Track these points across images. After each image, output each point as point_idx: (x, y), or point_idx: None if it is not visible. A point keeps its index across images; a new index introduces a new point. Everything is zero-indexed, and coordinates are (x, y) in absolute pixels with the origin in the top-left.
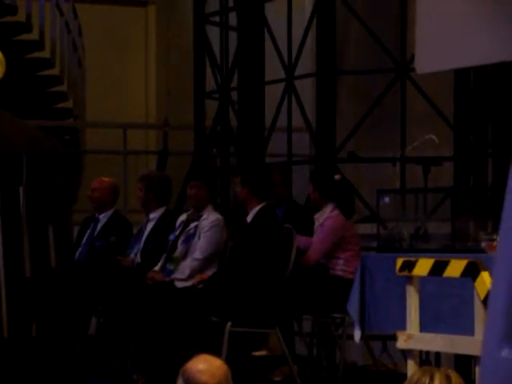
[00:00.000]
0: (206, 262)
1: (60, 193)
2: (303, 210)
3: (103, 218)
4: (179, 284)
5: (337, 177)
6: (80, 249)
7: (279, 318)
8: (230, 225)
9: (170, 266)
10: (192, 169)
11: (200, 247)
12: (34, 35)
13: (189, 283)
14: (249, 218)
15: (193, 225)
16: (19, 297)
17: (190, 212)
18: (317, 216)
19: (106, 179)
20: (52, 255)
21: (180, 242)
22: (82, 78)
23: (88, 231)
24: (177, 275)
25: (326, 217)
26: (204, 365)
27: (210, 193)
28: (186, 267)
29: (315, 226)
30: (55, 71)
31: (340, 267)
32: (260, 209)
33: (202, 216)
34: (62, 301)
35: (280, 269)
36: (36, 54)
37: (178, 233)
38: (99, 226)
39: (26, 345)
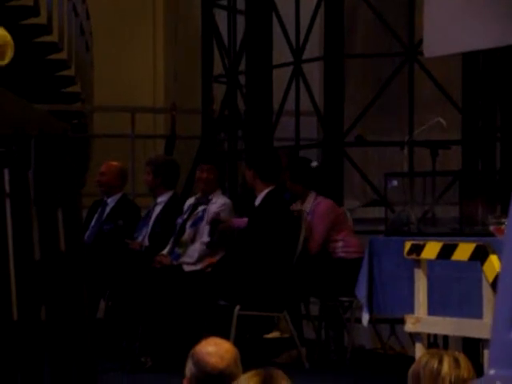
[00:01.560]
0: (214, 247)
1: (69, 177)
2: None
3: (111, 201)
4: (187, 268)
5: (314, 164)
6: (88, 232)
7: (287, 302)
8: (239, 209)
9: (179, 250)
10: (201, 152)
11: (208, 231)
12: (41, 19)
13: (197, 267)
14: (257, 202)
15: (201, 208)
16: (28, 280)
17: (198, 195)
18: (299, 206)
19: (113, 163)
20: (61, 239)
21: (188, 225)
22: (89, 62)
23: (96, 215)
24: (185, 259)
25: (314, 204)
26: (213, 347)
27: (220, 177)
28: (194, 251)
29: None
30: (63, 55)
31: (340, 249)
32: (268, 192)
33: (210, 200)
34: (71, 284)
35: (288, 252)
36: (44, 38)
37: (186, 216)
38: (107, 209)
39: (34, 328)
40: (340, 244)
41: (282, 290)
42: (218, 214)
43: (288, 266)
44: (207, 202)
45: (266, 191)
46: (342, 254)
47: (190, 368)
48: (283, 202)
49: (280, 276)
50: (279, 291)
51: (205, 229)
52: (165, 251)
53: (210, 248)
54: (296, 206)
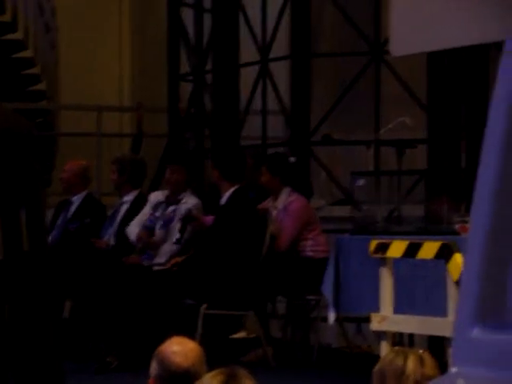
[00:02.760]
0: (184, 246)
1: (33, 176)
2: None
3: (76, 200)
4: (155, 266)
5: (292, 159)
6: (54, 232)
7: (254, 301)
8: (205, 208)
9: (150, 252)
10: (168, 151)
11: (179, 227)
12: (7, 17)
13: (164, 266)
14: (222, 201)
15: (171, 209)
16: None
17: (167, 194)
18: (271, 204)
19: (76, 162)
20: (24, 238)
21: (158, 226)
22: (55, 60)
23: (61, 214)
24: (157, 260)
25: (288, 201)
26: (178, 347)
27: (189, 177)
28: (165, 252)
29: (274, 212)
30: (28, 53)
31: (309, 248)
32: (233, 191)
33: (180, 200)
34: (35, 284)
35: (254, 251)
36: (9, 36)
37: (157, 215)
38: (73, 208)
39: None
40: (309, 243)
41: (249, 288)
42: (190, 210)
43: (254, 265)
44: (177, 202)
45: (231, 190)
46: (310, 253)
47: (154, 367)
48: (248, 200)
49: (246, 275)
50: (246, 290)
51: (175, 229)
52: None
53: (179, 244)
54: (268, 203)
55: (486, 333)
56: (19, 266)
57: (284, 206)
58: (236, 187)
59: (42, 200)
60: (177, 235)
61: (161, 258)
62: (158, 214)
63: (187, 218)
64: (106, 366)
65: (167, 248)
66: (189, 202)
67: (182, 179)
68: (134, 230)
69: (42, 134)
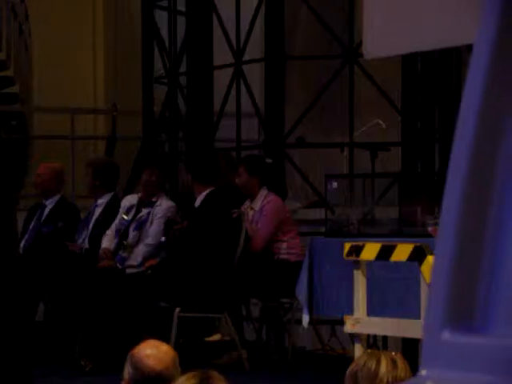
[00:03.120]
0: (158, 248)
1: (3, 179)
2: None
3: (49, 203)
4: (128, 269)
5: (268, 160)
6: (27, 235)
7: (227, 303)
8: (179, 210)
9: (124, 253)
10: (142, 154)
11: (152, 233)
12: None
13: (138, 268)
14: (196, 204)
15: (145, 211)
16: None
17: (139, 196)
18: (249, 204)
19: (50, 164)
20: None
21: (132, 228)
22: (28, 63)
23: (35, 217)
24: (130, 262)
25: (265, 201)
26: (151, 350)
27: (162, 178)
28: (138, 253)
29: (250, 215)
30: (1, 56)
31: (284, 250)
32: (207, 194)
33: (155, 202)
34: (7, 287)
35: (228, 253)
36: None
37: (130, 218)
38: (46, 211)
39: None
40: (284, 245)
41: (223, 291)
42: (172, 212)
43: (228, 268)
44: (151, 204)
45: (204, 193)
46: (285, 256)
47: (128, 371)
48: (222, 203)
49: (220, 277)
50: (220, 293)
51: (150, 231)
52: (106, 242)
53: (166, 249)
54: (245, 205)
55: (455, 335)
56: None
57: (260, 207)
58: (209, 190)
59: (13, 204)
60: (162, 239)
61: (134, 260)
62: (129, 216)
63: (170, 222)
64: (79, 369)
65: (140, 250)
66: (163, 204)
67: (156, 181)
68: (107, 239)
69: (14, 137)
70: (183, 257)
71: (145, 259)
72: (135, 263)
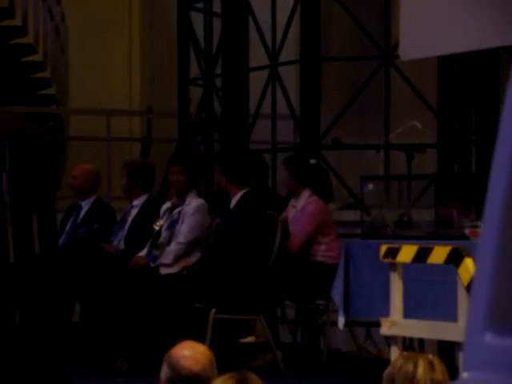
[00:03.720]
0: (189, 246)
1: (44, 179)
2: (273, 196)
3: (85, 205)
4: (164, 270)
5: (312, 161)
6: (63, 236)
7: (263, 305)
8: (214, 211)
9: (156, 252)
10: (173, 155)
11: (183, 231)
12: (17, 21)
13: (173, 270)
14: (231, 205)
15: (176, 211)
16: (3, 283)
17: (173, 200)
18: (292, 202)
19: (86, 166)
20: (36, 242)
21: (164, 228)
22: (65, 64)
23: (71, 218)
24: (162, 260)
25: (306, 202)
26: (188, 351)
27: (191, 178)
28: (169, 252)
29: (292, 213)
30: (38, 57)
31: (322, 253)
32: (242, 195)
33: (185, 201)
34: (46, 287)
35: (264, 255)
36: (19, 40)
37: (163, 220)
38: (82, 213)
39: (9, 331)
40: (322, 247)
41: (258, 293)
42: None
43: (263, 269)
44: (182, 203)
45: (239, 194)
46: (322, 258)
47: (165, 371)
48: (257, 204)
49: (255, 279)
50: (255, 294)
51: (180, 230)
52: (142, 253)
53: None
54: (290, 202)
55: (497, 338)
56: (30, 269)
57: (302, 207)
58: (245, 191)
59: (53, 204)
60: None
61: (166, 259)
62: (164, 217)
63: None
64: (115, 369)
65: (172, 249)
66: (193, 203)
67: (184, 180)
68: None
69: (51, 139)
70: (218, 258)
71: (176, 257)
72: (167, 261)
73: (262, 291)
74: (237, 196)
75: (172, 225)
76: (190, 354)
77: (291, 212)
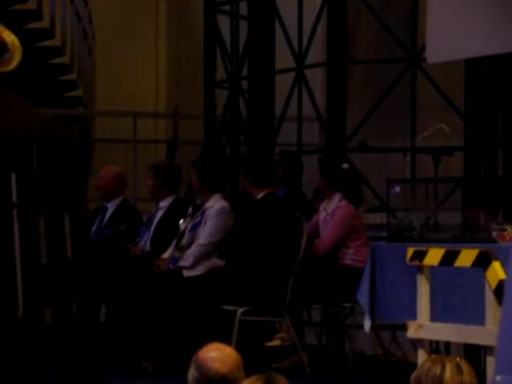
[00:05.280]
0: (209, 248)
1: (75, 180)
2: (303, 198)
3: (111, 206)
4: (186, 273)
5: (345, 166)
6: (89, 238)
7: (289, 308)
8: (240, 213)
9: (177, 254)
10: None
11: (204, 233)
12: (44, 23)
13: (195, 272)
14: (253, 207)
15: (199, 213)
16: (34, 283)
17: (199, 201)
18: (323, 205)
19: (112, 168)
20: (68, 244)
21: (187, 230)
22: (92, 67)
23: (97, 220)
24: (182, 263)
25: (336, 206)
26: (216, 353)
27: (202, 181)
28: (189, 254)
29: (322, 216)
30: (65, 59)
31: (349, 256)
32: (262, 197)
33: (200, 204)
34: (77, 289)
35: (289, 257)
36: (46, 43)
37: (188, 220)
38: (108, 214)
39: (40, 330)
40: (350, 251)
41: (284, 295)
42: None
43: (290, 271)
44: (203, 205)
45: (260, 196)
46: (349, 262)
47: (192, 373)
48: (277, 205)
49: (282, 281)
50: (281, 296)
51: (202, 232)
52: (165, 255)
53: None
54: (323, 203)
55: None
56: (62, 270)
57: (332, 210)
58: (265, 192)
59: (84, 206)
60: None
61: (185, 261)
62: (188, 219)
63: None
64: (141, 371)
65: (192, 251)
66: (216, 205)
67: (194, 182)
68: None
69: (79, 140)
70: (240, 259)
71: (196, 260)
72: (187, 264)
73: (288, 293)
74: (257, 198)
75: (194, 227)
76: (218, 355)
77: (322, 214)
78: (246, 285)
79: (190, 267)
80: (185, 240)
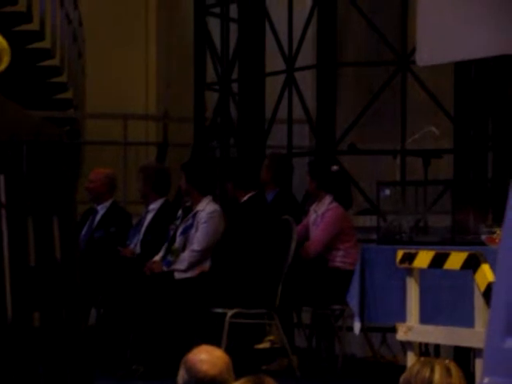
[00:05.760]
0: (204, 254)
1: (65, 183)
2: (293, 200)
3: (101, 209)
4: (178, 275)
5: (334, 168)
6: (79, 240)
7: (279, 310)
8: (229, 215)
9: (171, 258)
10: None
11: (197, 239)
12: (34, 25)
13: (188, 274)
14: (238, 209)
15: (190, 215)
16: (23, 285)
17: (188, 203)
18: (314, 207)
19: (102, 170)
20: (57, 246)
21: (178, 233)
22: (82, 69)
23: (87, 223)
24: (176, 266)
25: (326, 209)
26: (205, 355)
27: (192, 183)
28: (184, 259)
29: (312, 218)
30: (55, 62)
31: (339, 259)
32: (247, 199)
33: (190, 207)
34: (66, 291)
35: (280, 260)
36: (36, 45)
37: (178, 223)
38: (98, 217)
39: (28, 332)
40: (340, 253)
41: (273, 297)
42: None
43: (279, 274)
44: (193, 209)
45: (245, 198)
46: (339, 264)
47: (182, 375)
48: (262, 207)
49: (271, 283)
50: (270, 299)
51: (195, 237)
52: (157, 257)
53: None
54: (313, 205)
55: None
56: (51, 273)
57: (322, 213)
58: (250, 194)
59: (73, 208)
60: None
61: (180, 265)
62: (178, 222)
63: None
64: (131, 373)
65: (186, 255)
66: (206, 208)
67: (183, 185)
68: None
69: (69, 143)
70: (229, 262)
71: (190, 264)
72: (182, 267)
73: (278, 296)
74: (242, 200)
75: (185, 230)
76: (207, 357)
77: (312, 217)
78: (235, 287)
79: (183, 270)
80: (177, 244)
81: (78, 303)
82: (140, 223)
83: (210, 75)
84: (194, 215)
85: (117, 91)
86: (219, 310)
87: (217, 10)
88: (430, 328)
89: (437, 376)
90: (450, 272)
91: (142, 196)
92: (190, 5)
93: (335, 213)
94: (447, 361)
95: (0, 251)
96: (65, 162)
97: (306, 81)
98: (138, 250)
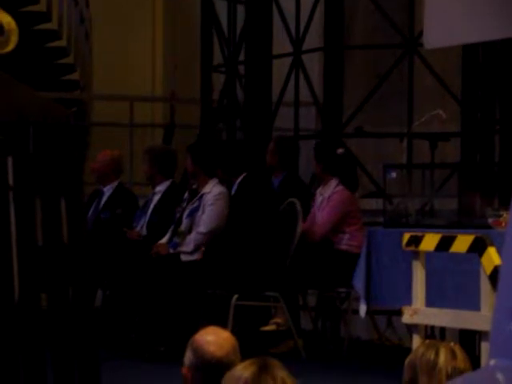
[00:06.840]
0: (210, 236)
1: (72, 164)
2: (301, 183)
3: (108, 190)
4: (184, 257)
5: (340, 150)
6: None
7: (284, 292)
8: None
9: (177, 240)
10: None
11: (204, 221)
12: (41, 7)
13: (194, 257)
14: (232, 190)
15: (197, 198)
16: (30, 265)
17: (195, 186)
18: (320, 190)
19: (108, 152)
20: (64, 227)
21: (185, 215)
22: (88, 50)
23: (93, 204)
24: (183, 248)
25: (332, 192)
26: (212, 336)
27: (198, 165)
28: (190, 241)
29: (318, 201)
30: (62, 43)
31: (345, 241)
32: (241, 180)
33: (196, 189)
34: (73, 272)
35: (285, 242)
36: (43, 26)
37: (184, 205)
38: (104, 198)
39: (35, 313)
40: (346, 236)
41: (280, 280)
42: (221, 199)
43: (285, 256)
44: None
45: (239, 179)
46: (345, 247)
47: (188, 357)
48: (258, 187)
49: (277, 266)
50: (276, 281)
51: (201, 219)
52: (164, 240)
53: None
54: (319, 188)
55: None
56: (58, 254)
57: (328, 195)
58: (241, 178)
59: (80, 190)
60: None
61: (186, 247)
62: (184, 204)
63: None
64: (137, 355)
65: (192, 237)
66: (213, 190)
67: (189, 167)
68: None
69: (75, 124)
70: (233, 243)
71: (197, 246)
72: (188, 250)
73: (284, 278)
74: (236, 183)
75: (192, 213)
76: (214, 339)
77: (318, 200)
78: (241, 270)
79: (190, 253)
80: (183, 226)
81: (85, 284)
82: (146, 205)
83: (217, 57)
84: (201, 197)
85: (123, 73)
86: (225, 293)
87: None
88: (435, 311)
89: (442, 359)
90: (457, 255)
91: (148, 178)
92: None
93: (341, 196)
94: (452, 343)
95: (7, 232)
96: (72, 143)
97: (313, 63)
98: (144, 231)
